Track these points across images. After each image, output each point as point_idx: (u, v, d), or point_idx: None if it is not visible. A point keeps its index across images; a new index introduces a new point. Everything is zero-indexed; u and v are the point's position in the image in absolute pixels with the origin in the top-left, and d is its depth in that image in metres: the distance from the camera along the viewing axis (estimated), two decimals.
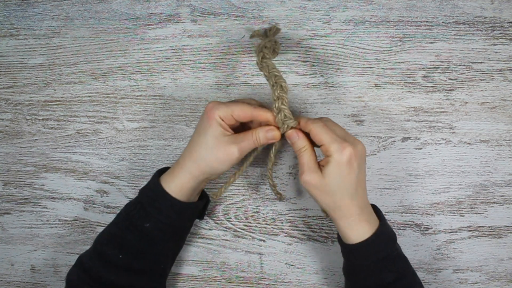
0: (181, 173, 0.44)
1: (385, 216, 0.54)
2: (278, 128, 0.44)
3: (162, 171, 0.48)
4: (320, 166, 0.43)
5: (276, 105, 0.43)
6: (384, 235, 0.44)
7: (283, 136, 0.45)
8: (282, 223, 0.56)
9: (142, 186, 0.47)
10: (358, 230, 0.43)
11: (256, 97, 0.55)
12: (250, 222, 0.56)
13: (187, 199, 0.45)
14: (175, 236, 0.47)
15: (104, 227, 0.48)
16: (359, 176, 0.42)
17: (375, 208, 0.47)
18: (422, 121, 0.53)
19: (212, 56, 0.55)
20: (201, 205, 0.49)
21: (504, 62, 0.52)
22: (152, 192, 0.45)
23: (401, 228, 0.54)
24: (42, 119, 0.58)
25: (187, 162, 0.44)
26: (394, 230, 0.54)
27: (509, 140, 0.52)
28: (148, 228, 0.44)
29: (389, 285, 0.42)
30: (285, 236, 0.56)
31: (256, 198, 0.56)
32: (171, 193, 0.44)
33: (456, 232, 0.54)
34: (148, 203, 0.45)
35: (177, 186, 0.44)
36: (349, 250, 0.44)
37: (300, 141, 0.43)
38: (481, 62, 0.52)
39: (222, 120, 0.43)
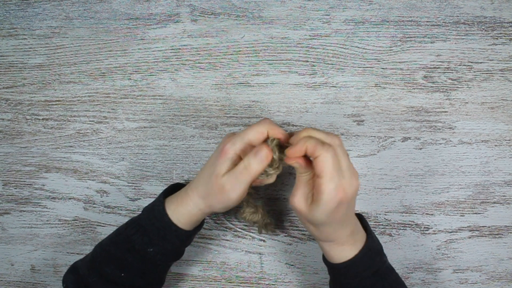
0: (190, 205, 0.43)
1: (384, 216, 0.54)
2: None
3: (167, 192, 0.47)
4: (313, 196, 0.39)
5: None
6: (372, 251, 0.42)
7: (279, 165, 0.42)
8: (282, 223, 0.56)
9: (145, 206, 0.47)
10: (344, 251, 0.41)
11: (255, 97, 0.55)
12: None
13: (191, 228, 0.45)
14: (177, 257, 0.47)
15: (103, 227, 0.48)
16: (348, 211, 0.39)
17: (360, 218, 0.45)
18: (422, 121, 0.53)
19: (211, 56, 0.55)
20: (201, 227, 0.49)
21: (504, 62, 0.52)
22: (158, 222, 0.43)
23: (401, 228, 0.54)
24: (42, 119, 0.58)
25: (195, 196, 0.43)
26: (393, 230, 0.55)
27: (509, 140, 0.52)
28: (151, 252, 0.43)
29: None
30: (285, 236, 0.56)
31: (256, 198, 0.56)
32: (178, 223, 0.43)
33: (456, 232, 0.54)
34: (152, 232, 0.43)
35: (184, 217, 0.43)
36: (336, 270, 0.42)
37: (303, 168, 0.39)
38: (481, 62, 0.52)
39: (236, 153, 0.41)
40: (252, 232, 0.56)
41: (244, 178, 0.40)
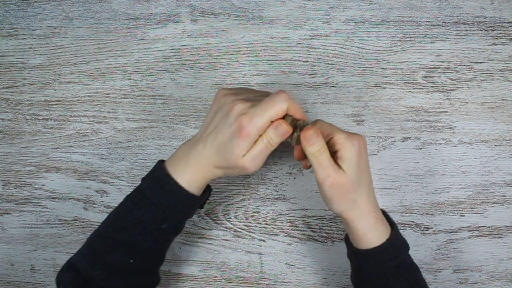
0: (207, 174, 0.41)
1: None
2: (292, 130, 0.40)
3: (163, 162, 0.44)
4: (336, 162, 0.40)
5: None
6: (399, 241, 0.42)
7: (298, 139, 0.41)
8: (282, 223, 0.56)
9: (142, 186, 0.43)
10: (374, 233, 0.41)
11: None
12: (250, 222, 0.56)
13: (199, 193, 0.43)
14: (182, 229, 0.45)
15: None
16: (369, 169, 0.41)
17: (385, 213, 0.45)
18: (422, 121, 0.53)
19: (211, 56, 0.55)
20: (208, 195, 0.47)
21: (504, 62, 0.52)
22: (174, 197, 0.41)
23: (401, 228, 0.54)
24: (42, 119, 0.58)
25: (211, 167, 0.41)
26: None
27: (509, 140, 0.52)
28: (164, 229, 0.42)
29: None
30: (285, 236, 0.56)
31: (256, 198, 0.56)
32: (189, 188, 0.41)
33: (456, 232, 0.54)
34: (167, 206, 0.41)
35: (202, 184, 0.41)
36: (362, 256, 0.42)
37: (320, 141, 0.38)
38: (481, 62, 0.52)
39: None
40: (252, 232, 0.56)
41: (266, 153, 0.40)
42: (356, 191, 0.40)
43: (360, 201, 0.40)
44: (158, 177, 0.42)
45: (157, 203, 0.41)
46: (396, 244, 0.42)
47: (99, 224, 0.59)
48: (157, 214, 0.41)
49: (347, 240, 0.45)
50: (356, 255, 0.43)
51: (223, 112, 0.39)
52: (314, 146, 0.38)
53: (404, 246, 0.43)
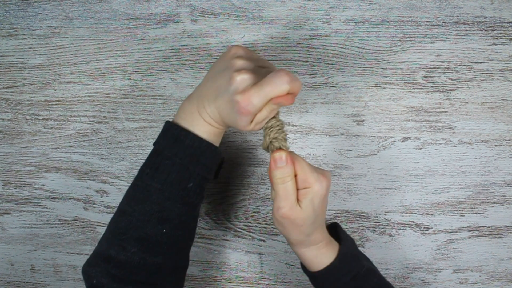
0: (214, 122, 0.40)
1: (384, 216, 0.54)
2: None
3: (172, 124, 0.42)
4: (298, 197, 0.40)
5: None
6: (348, 256, 0.43)
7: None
8: None
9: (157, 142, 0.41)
10: (323, 256, 0.42)
11: None
12: (250, 222, 0.56)
13: (217, 144, 0.42)
14: (204, 195, 0.44)
15: (103, 227, 0.48)
16: (326, 204, 0.42)
17: (335, 225, 0.47)
18: (422, 121, 0.53)
19: (211, 56, 0.55)
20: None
21: (504, 62, 0.52)
22: (195, 149, 0.39)
23: (401, 228, 0.54)
24: (42, 119, 0.58)
25: (222, 125, 0.40)
26: (393, 230, 0.55)
27: (509, 140, 0.52)
28: (190, 188, 0.40)
29: None
30: None
31: (256, 198, 0.56)
32: (208, 139, 0.40)
33: (456, 232, 0.54)
34: (190, 161, 0.39)
35: (213, 132, 0.40)
36: (317, 277, 0.43)
37: (288, 168, 0.38)
38: (481, 62, 0.52)
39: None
40: (252, 232, 0.56)
41: (270, 116, 0.39)
42: (309, 227, 0.40)
43: (313, 234, 0.41)
44: (174, 135, 0.40)
45: (180, 161, 0.39)
46: (345, 260, 0.43)
47: (99, 224, 0.59)
48: (182, 173, 0.39)
49: (303, 266, 0.46)
50: (312, 278, 0.44)
51: (227, 75, 0.38)
52: (280, 171, 0.38)
53: (356, 258, 0.44)
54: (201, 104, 0.40)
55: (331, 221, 0.55)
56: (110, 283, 0.37)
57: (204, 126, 0.40)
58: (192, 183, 0.40)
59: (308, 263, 0.43)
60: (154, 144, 0.41)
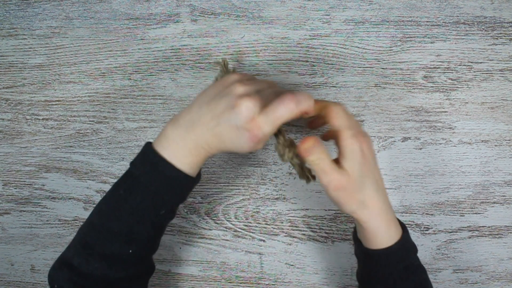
0: (200, 153, 0.39)
1: None
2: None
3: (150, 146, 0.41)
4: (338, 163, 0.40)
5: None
6: (409, 244, 0.42)
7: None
8: (282, 223, 0.56)
9: (130, 172, 0.41)
10: (385, 234, 0.40)
11: None
12: (250, 222, 0.56)
13: (195, 174, 0.42)
14: (175, 214, 0.44)
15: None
16: (376, 169, 0.41)
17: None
18: (422, 121, 0.53)
19: (211, 56, 0.55)
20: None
21: (504, 62, 0.52)
22: (172, 180, 0.39)
23: None
24: (42, 119, 0.58)
25: (214, 151, 0.39)
26: None
27: (509, 140, 0.52)
28: (162, 215, 0.40)
29: None
30: (285, 236, 0.56)
31: (256, 198, 0.56)
32: (188, 171, 0.39)
33: (456, 232, 0.54)
34: (166, 191, 0.39)
35: (195, 164, 0.40)
36: (371, 256, 0.41)
37: (318, 148, 0.38)
38: (481, 62, 0.52)
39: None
40: (252, 232, 0.56)
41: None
42: (361, 191, 0.39)
43: (368, 202, 0.40)
44: (153, 162, 0.39)
45: (155, 189, 0.39)
46: (406, 246, 0.42)
47: None
48: (155, 201, 0.39)
49: (356, 237, 0.44)
50: (365, 254, 0.42)
51: (227, 102, 0.37)
52: (313, 155, 0.38)
53: (414, 249, 0.43)
54: (192, 132, 0.39)
55: (331, 221, 0.55)
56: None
57: (187, 157, 0.39)
58: (165, 210, 0.40)
59: (369, 237, 0.41)
60: (131, 164, 0.41)
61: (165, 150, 0.39)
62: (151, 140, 0.41)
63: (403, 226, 0.43)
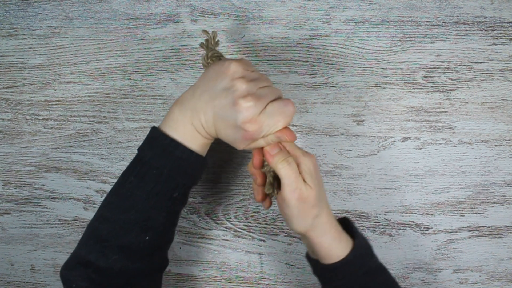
0: (207, 135, 0.40)
1: (384, 216, 0.55)
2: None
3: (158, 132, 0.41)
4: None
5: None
6: (362, 249, 0.43)
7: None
8: (282, 223, 0.56)
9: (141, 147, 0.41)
10: (338, 246, 0.41)
11: None
12: (250, 222, 0.56)
13: (205, 153, 0.42)
14: (187, 200, 0.44)
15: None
16: (322, 180, 0.43)
17: (347, 220, 0.46)
18: (422, 121, 0.53)
19: None
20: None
21: (504, 62, 0.52)
22: (184, 161, 0.39)
23: (401, 228, 0.54)
24: (42, 119, 0.58)
25: (212, 133, 0.40)
26: (393, 230, 0.55)
27: (509, 140, 0.52)
28: (176, 197, 0.40)
29: None
30: (285, 236, 0.56)
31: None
32: (198, 150, 0.40)
33: (456, 232, 0.54)
34: (178, 172, 0.39)
35: (204, 144, 0.41)
36: (332, 270, 0.42)
37: (283, 151, 0.40)
38: (481, 62, 0.52)
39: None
40: (252, 232, 0.56)
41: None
42: (318, 205, 0.40)
43: (322, 216, 0.41)
44: (164, 144, 0.39)
45: (167, 172, 0.39)
46: (360, 253, 0.42)
47: None
48: (169, 183, 0.39)
49: (310, 258, 0.45)
50: (325, 270, 0.43)
51: (228, 98, 0.37)
52: (278, 155, 0.39)
53: (368, 252, 0.44)
54: (197, 117, 0.39)
55: None
56: (90, 287, 0.37)
57: (197, 139, 0.40)
58: (178, 192, 0.40)
59: (323, 253, 0.42)
60: (139, 150, 0.41)
61: (174, 132, 0.39)
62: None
63: (354, 231, 0.44)
